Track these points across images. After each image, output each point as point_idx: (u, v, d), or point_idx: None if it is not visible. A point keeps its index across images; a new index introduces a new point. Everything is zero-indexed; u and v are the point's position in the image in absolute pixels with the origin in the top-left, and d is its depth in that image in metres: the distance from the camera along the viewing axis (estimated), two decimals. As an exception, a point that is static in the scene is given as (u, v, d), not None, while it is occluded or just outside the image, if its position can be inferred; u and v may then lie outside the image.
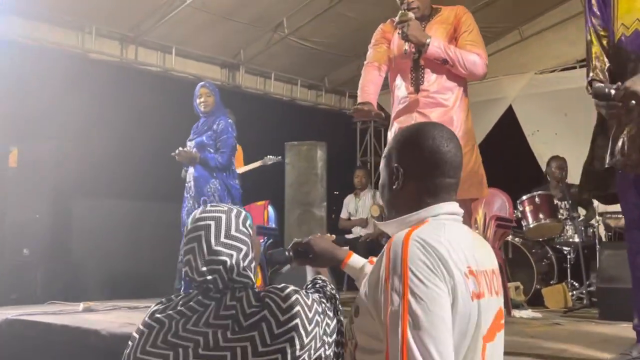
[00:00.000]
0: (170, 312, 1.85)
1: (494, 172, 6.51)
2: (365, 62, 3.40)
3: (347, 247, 2.14)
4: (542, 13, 7.84)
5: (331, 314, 1.89)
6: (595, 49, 2.72)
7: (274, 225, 5.83)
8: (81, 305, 5.26)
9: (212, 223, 1.86)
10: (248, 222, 1.92)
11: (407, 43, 3.14)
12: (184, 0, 6.45)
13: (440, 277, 1.32)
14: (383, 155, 1.65)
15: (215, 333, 1.72)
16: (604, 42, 2.72)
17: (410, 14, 3.13)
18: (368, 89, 3.22)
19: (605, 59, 2.69)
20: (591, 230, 5.33)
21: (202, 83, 5.23)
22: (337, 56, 8.15)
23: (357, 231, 7.04)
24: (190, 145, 5.00)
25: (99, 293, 6.18)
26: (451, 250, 1.36)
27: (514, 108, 7.94)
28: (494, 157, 7.81)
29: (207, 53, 7.59)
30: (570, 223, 5.39)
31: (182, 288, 5.78)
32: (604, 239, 5.31)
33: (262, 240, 5.70)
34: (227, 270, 1.83)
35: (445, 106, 3.18)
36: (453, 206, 1.53)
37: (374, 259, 1.99)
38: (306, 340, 1.73)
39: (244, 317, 1.75)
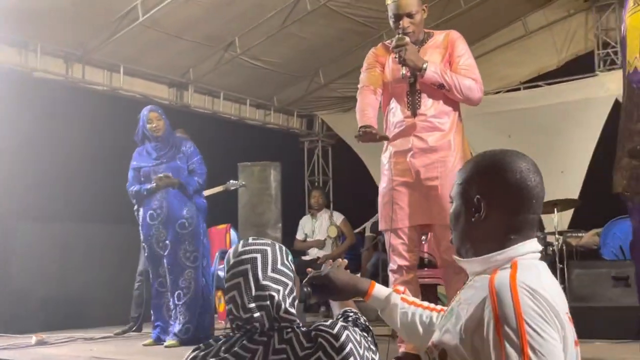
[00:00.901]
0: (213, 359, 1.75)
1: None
2: (360, 86, 3.36)
3: (359, 274, 2.07)
4: (487, 35, 8.02)
5: (374, 348, 1.83)
6: None
7: (236, 250, 5.67)
8: (33, 338, 4.99)
9: (259, 256, 1.76)
10: (290, 257, 1.85)
11: (404, 67, 3.12)
12: (135, 19, 6.26)
13: (554, 327, 1.28)
14: (458, 181, 1.55)
15: (267, 380, 1.64)
16: None
17: (407, 39, 3.12)
18: (368, 113, 3.18)
19: None
20: (550, 248, 5.45)
21: (150, 107, 5.08)
22: (287, 76, 8.11)
23: (314, 252, 6.96)
24: (161, 170, 4.82)
25: (45, 322, 5.88)
26: (555, 296, 1.32)
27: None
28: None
29: (156, 72, 7.40)
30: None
31: (140, 316, 5.59)
32: (564, 258, 5.44)
33: (223, 265, 5.54)
34: (274, 306, 1.73)
35: (442, 130, 3.18)
36: (536, 244, 1.48)
37: (399, 288, 1.94)
38: None
39: (296, 360, 1.67)
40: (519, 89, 8.11)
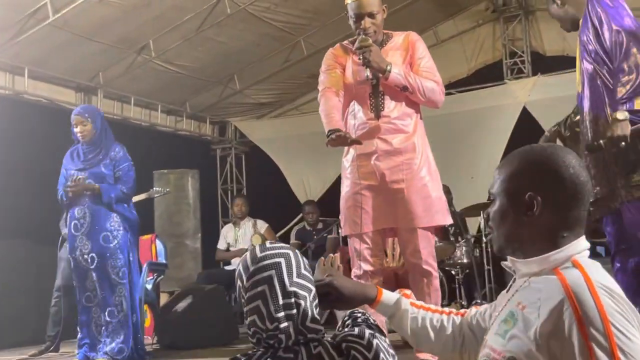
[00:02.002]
0: (237, 381, 1.60)
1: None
2: (321, 88, 3.26)
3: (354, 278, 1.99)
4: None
5: (393, 352, 1.75)
6: None
7: (164, 261, 5.42)
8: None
9: (282, 261, 1.62)
10: (307, 261, 1.74)
11: (368, 69, 3.07)
12: (44, 18, 5.87)
13: (636, 326, 1.25)
14: (502, 177, 1.48)
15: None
16: None
17: (370, 40, 3.07)
18: (335, 116, 3.09)
19: None
20: (478, 251, 5.58)
21: (77, 110, 4.77)
22: (201, 81, 7.89)
23: (237, 262, 6.74)
24: (83, 176, 4.50)
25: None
26: (623, 295, 1.30)
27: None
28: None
29: (63, 75, 6.97)
30: (458, 245, 5.61)
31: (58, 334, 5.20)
32: (490, 260, 5.59)
33: (150, 278, 5.28)
34: (300, 315, 1.60)
35: (406, 132, 3.16)
36: (585, 241, 1.45)
37: (406, 292, 1.87)
38: None
39: (329, 377, 1.56)
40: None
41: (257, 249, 1.67)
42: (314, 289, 1.67)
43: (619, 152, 2.58)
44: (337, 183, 8.08)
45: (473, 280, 5.47)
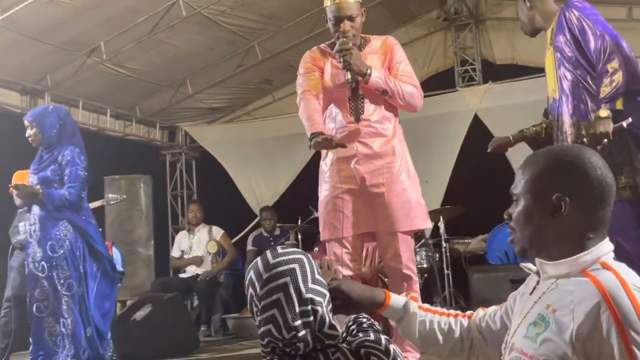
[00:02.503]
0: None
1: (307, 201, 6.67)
2: (300, 91, 3.21)
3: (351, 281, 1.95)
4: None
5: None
6: None
7: (121, 269, 5.25)
8: None
9: (296, 266, 1.57)
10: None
11: (348, 72, 3.05)
12: (-10, 17, 5.64)
13: None
14: (527, 178, 1.47)
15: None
16: None
17: (351, 43, 3.05)
18: (317, 119, 3.05)
19: None
20: (437, 255, 5.64)
21: (27, 114, 4.56)
22: (152, 85, 7.72)
23: (192, 270, 6.62)
24: (33, 181, 4.31)
25: None
26: None
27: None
28: (309, 189, 8.00)
29: (8, 77, 6.70)
30: (418, 250, 5.64)
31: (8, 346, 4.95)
32: (449, 265, 5.65)
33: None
34: (317, 322, 1.55)
35: (385, 136, 3.14)
36: (610, 242, 1.46)
37: (414, 295, 1.85)
38: None
39: (351, 383, 1.52)
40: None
41: (269, 255, 1.62)
42: (328, 294, 1.63)
43: (603, 152, 2.64)
44: (290, 190, 8.18)
45: (433, 285, 5.51)
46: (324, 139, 2.85)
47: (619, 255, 2.73)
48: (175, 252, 6.86)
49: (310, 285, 1.57)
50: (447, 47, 8.15)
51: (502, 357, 1.52)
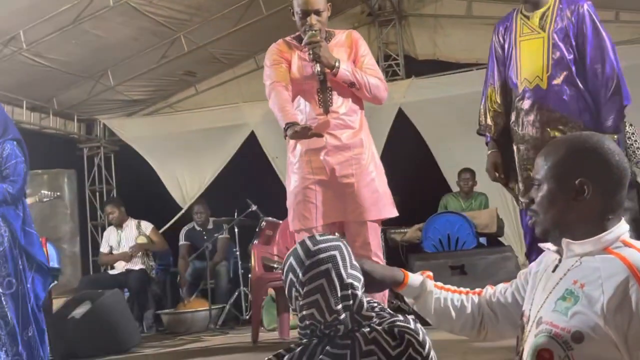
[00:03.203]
0: (296, 371, 1.59)
1: (240, 194, 6.67)
2: (269, 82, 3.20)
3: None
4: (277, 44, 8.17)
5: None
6: None
7: (56, 265, 5.05)
8: None
9: (337, 253, 1.65)
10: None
11: (318, 64, 3.08)
12: None
13: None
14: (549, 164, 1.57)
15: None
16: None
17: (319, 36, 3.09)
18: (290, 110, 3.06)
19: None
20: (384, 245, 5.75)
21: None
22: (71, 76, 7.42)
23: (121, 266, 6.44)
24: None
25: None
26: None
27: (256, 134, 8.14)
28: (237, 181, 7.99)
29: None
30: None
31: None
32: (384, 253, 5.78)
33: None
34: (356, 305, 1.64)
35: (353, 128, 3.20)
36: (626, 223, 1.59)
37: (429, 273, 1.94)
38: None
39: (389, 360, 1.59)
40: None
41: (309, 242, 1.67)
42: (362, 279, 1.70)
43: None
44: (216, 183, 8.11)
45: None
46: (303, 128, 2.87)
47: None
48: (104, 248, 6.65)
49: (349, 270, 1.65)
50: (371, 42, 8.30)
51: (524, 329, 1.61)
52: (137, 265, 6.39)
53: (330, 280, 1.61)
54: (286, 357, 1.62)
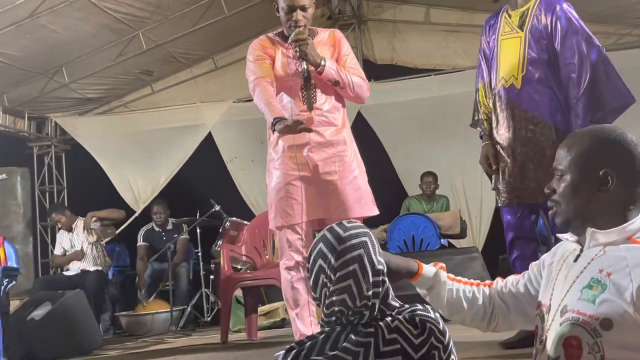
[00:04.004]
0: (319, 358, 1.59)
1: (200, 195, 6.57)
2: (253, 78, 3.17)
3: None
4: (235, 45, 8.12)
5: None
6: None
7: (15, 265, 4.87)
8: None
9: (367, 239, 1.67)
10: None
11: (304, 62, 3.08)
12: None
13: None
14: (571, 155, 1.60)
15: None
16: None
17: (305, 34, 3.10)
18: (276, 105, 3.04)
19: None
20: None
21: None
22: (24, 72, 7.20)
23: (76, 267, 6.24)
24: None
25: None
26: None
27: (213, 135, 8.06)
28: (195, 182, 7.88)
29: None
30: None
31: None
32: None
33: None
34: (384, 292, 1.65)
35: (336, 125, 3.21)
36: None
37: (442, 264, 1.96)
38: None
39: (412, 349, 1.61)
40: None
41: (338, 228, 1.68)
42: (386, 267, 1.71)
43: None
44: (175, 184, 7.98)
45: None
46: (294, 121, 2.86)
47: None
48: (57, 250, 6.44)
49: (378, 257, 1.66)
50: (330, 45, 8.33)
51: (544, 318, 1.64)
52: (93, 266, 6.23)
53: (363, 265, 1.61)
54: (308, 344, 1.61)
